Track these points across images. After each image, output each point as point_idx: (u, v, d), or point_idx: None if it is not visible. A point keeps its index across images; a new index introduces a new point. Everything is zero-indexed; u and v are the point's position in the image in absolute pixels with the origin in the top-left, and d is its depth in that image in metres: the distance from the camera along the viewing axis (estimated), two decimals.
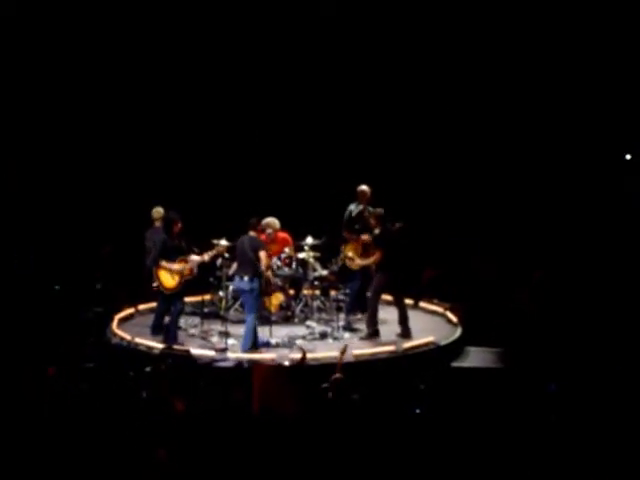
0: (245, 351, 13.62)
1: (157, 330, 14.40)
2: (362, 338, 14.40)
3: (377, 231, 14.52)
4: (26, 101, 18.35)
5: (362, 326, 14.88)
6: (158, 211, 15.23)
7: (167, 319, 14.28)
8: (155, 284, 14.27)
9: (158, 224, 14.92)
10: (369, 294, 14.75)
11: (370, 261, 14.62)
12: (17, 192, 18.36)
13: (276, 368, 11.90)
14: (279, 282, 15.44)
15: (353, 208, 15.51)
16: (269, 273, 14.86)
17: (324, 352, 13.26)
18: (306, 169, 19.10)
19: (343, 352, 11.54)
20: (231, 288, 15.54)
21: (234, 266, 15.45)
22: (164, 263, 13.93)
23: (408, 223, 14.73)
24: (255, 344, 13.77)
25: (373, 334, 14.35)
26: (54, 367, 10.88)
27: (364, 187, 15.51)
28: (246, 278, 13.80)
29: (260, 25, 18.92)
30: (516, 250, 17.78)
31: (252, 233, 14.03)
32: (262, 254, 13.92)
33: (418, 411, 9.30)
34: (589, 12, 17.67)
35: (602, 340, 13.52)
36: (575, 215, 17.90)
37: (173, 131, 19.41)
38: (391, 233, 14.42)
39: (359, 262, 14.95)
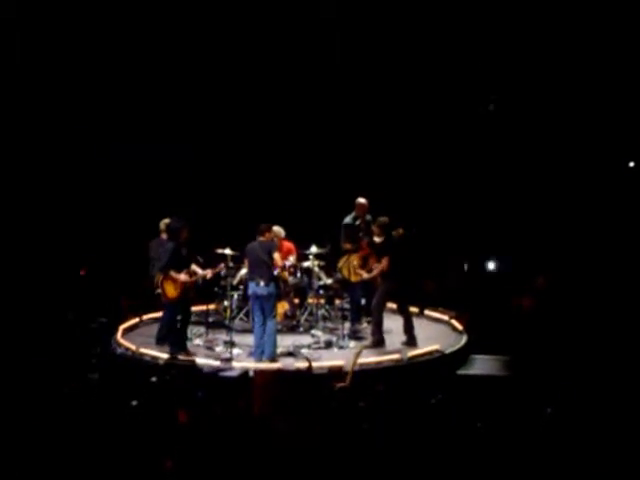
0: (270, 359, 13.56)
1: (162, 340, 14.39)
2: (367, 346, 14.37)
3: (378, 240, 14.51)
4: (22, 104, 18.32)
5: (367, 334, 14.89)
6: (166, 222, 15.07)
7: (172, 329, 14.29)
8: (158, 291, 14.23)
9: (164, 235, 14.85)
10: (373, 302, 14.72)
11: (376, 272, 14.56)
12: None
13: (278, 375, 11.84)
14: (291, 280, 15.45)
15: (349, 220, 15.46)
16: (285, 273, 14.83)
17: (329, 361, 13.25)
18: (310, 178, 19.08)
19: (358, 355, 11.57)
20: (236, 297, 15.53)
21: (239, 275, 15.48)
22: (172, 273, 13.86)
23: (408, 230, 14.75)
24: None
25: (378, 342, 14.33)
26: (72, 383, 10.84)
27: (362, 200, 15.50)
28: (262, 283, 13.67)
29: (264, 29, 18.95)
30: (518, 255, 17.76)
31: (262, 238, 13.95)
32: (276, 255, 13.89)
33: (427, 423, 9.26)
34: (593, 15, 17.64)
35: (607, 345, 13.48)
36: (577, 221, 17.86)
37: (176, 140, 19.38)
38: (395, 241, 14.41)
39: (366, 276, 14.88)
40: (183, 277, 13.82)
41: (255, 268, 13.86)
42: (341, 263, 15.41)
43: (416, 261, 15.17)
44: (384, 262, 14.29)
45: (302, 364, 12.59)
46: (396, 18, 18.74)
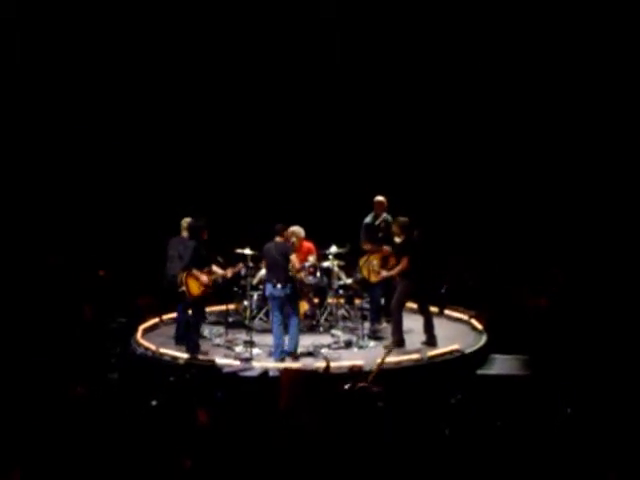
0: (291, 352, 13.70)
1: (181, 340, 14.43)
2: (387, 346, 14.35)
3: (398, 240, 14.48)
4: (27, 103, 18.38)
5: (387, 334, 14.87)
6: (187, 221, 14.97)
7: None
8: (182, 289, 14.20)
9: (185, 234, 14.89)
10: (393, 302, 14.69)
11: (396, 271, 14.53)
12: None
13: (305, 373, 11.85)
14: (311, 280, 15.43)
15: (369, 220, 15.48)
16: (301, 274, 14.82)
17: (349, 361, 13.23)
18: (329, 178, 19.07)
19: (386, 355, 11.59)
20: (255, 297, 15.53)
21: (258, 275, 15.46)
22: (195, 271, 13.93)
23: (425, 229, 14.74)
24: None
25: (398, 342, 14.30)
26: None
27: (381, 198, 15.51)
28: (279, 285, 13.73)
29: (270, 30, 18.98)
30: (531, 253, 17.69)
31: (279, 239, 13.98)
32: (293, 257, 13.91)
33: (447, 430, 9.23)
34: (595, 12, 17.56)
35: (627, 343, 13.42)
36: (594, 217, 17.75)
37: (195, 141, 19.42)
38: (415, 241, 14.39)
39: (385, 274, 14.85)
40: (205, 279, 13.90)
41: (272, 269, 13.91)
42: (361, 262, 15.42)
43: (435, 260, 15.13)
44: (404, 262, 14.26)
45: (321, 364, 12.59)
46: (396, 18, 18.71)
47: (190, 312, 14.32)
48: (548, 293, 15.99)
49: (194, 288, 13.98)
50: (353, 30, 18.96)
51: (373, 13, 18.72)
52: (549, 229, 17.95)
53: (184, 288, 14.07)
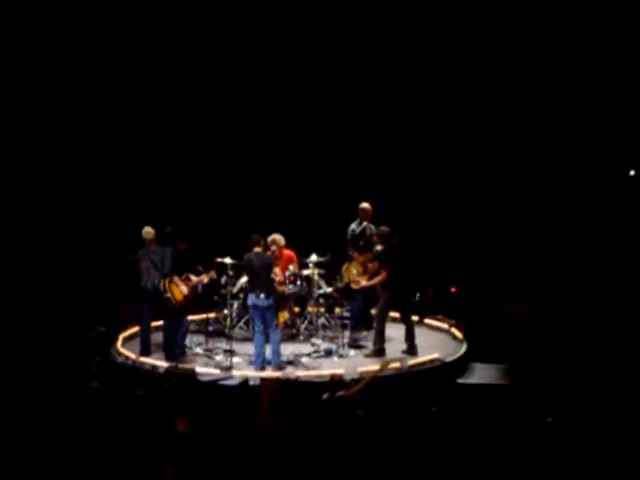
0: (278, 366, 13.59)
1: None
2: (367, 355, 14.36)
3: (379, 248, 14.50)
4: (26, 105, 18.38)
5: (367, 343, 14.87)
6: (148, 231, 14.77)
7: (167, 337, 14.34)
8: (167, 295, 14.15)
9: (152, 244, 14.70)
10: (374, 311, 14.71)
11: (375, 282, 14.57)
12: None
13: (283, 383, 11.84)
14: (291, 288, 15.41)
15: (355, 226, 15.53)
16: (283, 288, 14.81)
17: (330, 369, 13.21)
18: (311, 186, 19.08)
19: (384, 367, 11.62)
20: (236, 306, 15.51)
21: (239, 284, 15.44)
22: (176, 278, 14.01)
23: (407, 237, 14.76)
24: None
25: (379, 351, 14.31)
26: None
27: (366, 205, 15.54)
28: (262, 295, 13.68)
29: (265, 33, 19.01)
30: (519, 263, 17.76)
31: (258, 249, 13.95)
32: (276, 270, 13.88)
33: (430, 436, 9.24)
34: (597, 18, 17.66)
35: (609, 352, 13.48)
36: (580, 229, 17.84)
37: (177, 147, 19.41)
38: (395, 251, 14.40)
39: (364, 283, 14.89)
40: (184, 289, 13.96)
41: (254, 280, 13.86)
42: (344, 269, 15.46)
43: (417, 269, 15.16)
44: (383, 273, 14.29)
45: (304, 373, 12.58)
46: (396, 18, 18.76)
47: (173, 320, 14.30)
48: (537, 303, 16.05)
49: (177, 294, 14.03)
50: (353, 30, 19.00)
51: (373, 13, 18.75)
52: (537, 240, 18.04)
53: (168, 295, 14.09)
